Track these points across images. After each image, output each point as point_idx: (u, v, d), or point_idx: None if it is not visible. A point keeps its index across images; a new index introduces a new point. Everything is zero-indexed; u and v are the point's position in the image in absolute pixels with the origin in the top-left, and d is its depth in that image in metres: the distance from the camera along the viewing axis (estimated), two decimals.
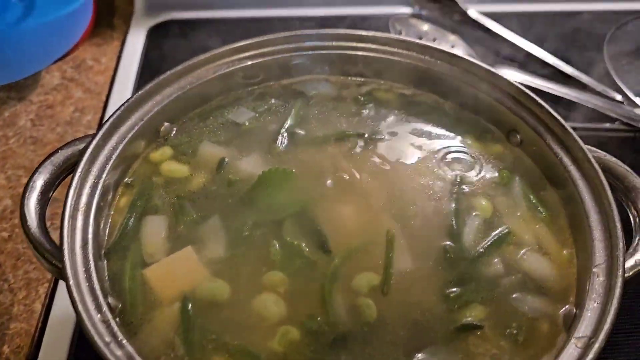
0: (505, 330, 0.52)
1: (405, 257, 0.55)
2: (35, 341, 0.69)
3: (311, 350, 0.50)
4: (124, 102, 0.62)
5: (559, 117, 0.62)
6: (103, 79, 1.05)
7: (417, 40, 0.72)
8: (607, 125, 0.94)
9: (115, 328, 0.46)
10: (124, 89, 1.01)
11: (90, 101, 1.01)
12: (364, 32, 0.73)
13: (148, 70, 1.05)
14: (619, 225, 0.53)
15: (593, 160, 0.58)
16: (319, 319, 0.51)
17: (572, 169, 0.60)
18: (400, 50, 0.72)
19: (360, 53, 0.73)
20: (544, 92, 0.96)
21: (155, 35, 1.12)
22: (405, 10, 1.16)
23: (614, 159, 0.61)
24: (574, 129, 0.94)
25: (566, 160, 0.61)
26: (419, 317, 0.52)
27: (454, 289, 0.54)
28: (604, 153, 0.62)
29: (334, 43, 0.74)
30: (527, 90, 0.64)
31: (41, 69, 1.03)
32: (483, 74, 0.68)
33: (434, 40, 1.08)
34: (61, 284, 0.73)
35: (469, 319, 0.52)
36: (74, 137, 0.83)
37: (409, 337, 0.51)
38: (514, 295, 0.54)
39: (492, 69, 0.67)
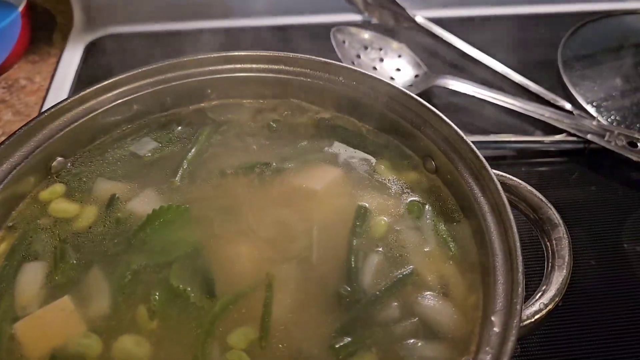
0: None
1: (293, 303, 0.51)
2: None
3: None
4: (9, 136, 0.58)
5: (468, 141, 0.58)
6: (35, 99, 1.01)
7: (332, 61, 0.67)
8: (556, 137, 0.90)
9: None
10: None
11: (19, 124, 0.97)
12: (279, 53, 0.69)
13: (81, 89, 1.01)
14: (521, 268, 0.48)
15: (501, 190, 0.54)
16: None
17: (482, 200, 0.56)
18: (317, 72, 0.68)
19: (275, 75, 0.69)
20: (491, 102, 0.92)
21: (93, 51, 1.08)
22: (352, 17, 1.12)
23: (529, 188, 0.57)
24: (521, 142, 0.92)
25: (476, 190, 0.56)
26: None
27: (343, 338, 0.50)
28: (519, 181, 0.58)
29: (250, 65, 0.69)
30: (436, 111, 0.60)
31: None
32: (395, 94, 0.64)
33: (380, 49, 1.04)
34: None
35: None
36: None
37: None
38: (409, 343, 0.50)
39: (402, 88, 0.63)
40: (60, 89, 1.01)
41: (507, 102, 0.93)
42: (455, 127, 0.59)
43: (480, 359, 0.45)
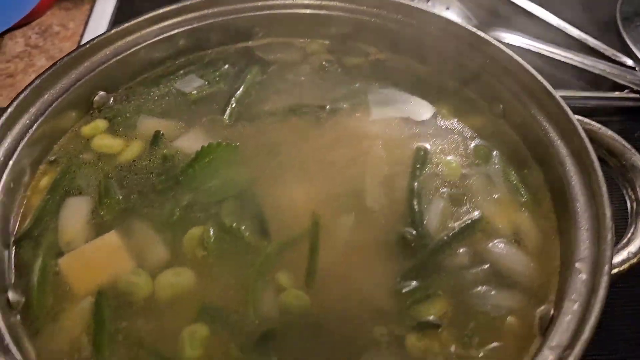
0: (464, 333, 0.44)
1: (348, 246, 0.48)
2: None
3: (237, 348, 0.43)
4: (48, 68, 0.55)
5: (545, 83, 0.53)
6: (69, 45, 0.98)
7: None
8: (616, 93, 0.84)
9: (4, 329, 0.39)
10: None
11: None
12: None
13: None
14: (608, 212, 0.44)
15: (583, 134, 0.49)
16: (241, 311, 0.44)
17: (559, 144, 0.51)
18: (374, 10, 0.64)
19: (330, 12, 0.65)
20: (546, 56, 0.87)
21: None
22: None
23: (609, 133, 0.52)
24: (578, 98, 0.86)
25: (553, 134, 0.52)
26: (363, 314, 0.44)
27: (409, 284, 0.46)
28: (599, 126, 0.53)
29: (299, 2, 0.65)
30: (509, 52, 0.56)
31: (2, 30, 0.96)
32: (464, 35, 0.59)
33: (427, 1, 0.98)
34: None
35: (424, 318, 0.44)
36: None
37: (349, 338, 0.43)
38: (480, 291, 0.46)
39: (472, 28, 0.58)
40: (95, 35, 0.97)
41: (564, 57, 0.88)
42: (531, 69, 0.54)
43: (566, 308, 0.41)
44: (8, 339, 0.39)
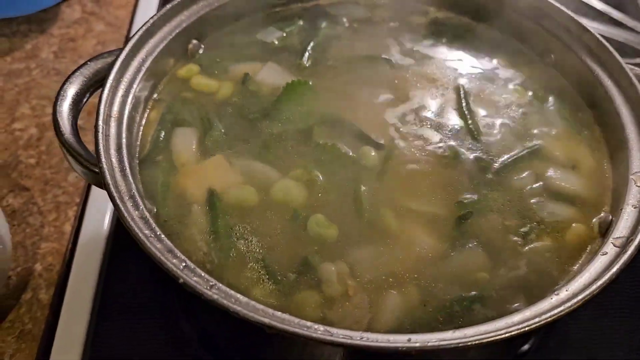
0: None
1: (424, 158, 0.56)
2: (67, 260, 0.70)
3: None
4: (151, 17, 0.61)
5: (593, 32, 0.60)
6: (124, 13, 1.04)
7: None
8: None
9: (153, 224, 0.46)
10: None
11: (112, 35, 1.00)
12: None
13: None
14: None
15: (630, 73, 0.57)
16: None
17: (609, 84, 0.59)
18: None
19: None
20: None
21: None
22: None
23: None
24: None
25: (602, 76, 0.59)
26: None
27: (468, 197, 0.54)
28: None
29: None
30: (558, 4, 0.63)
31: (60, 1, 1.02)
32: None
33: None
34: (90, 206, 0.74)
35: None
36: (94, 56, 0.83)
37: None
38: (538, 201, 0.54)
39: None
40: (149, 3, 1.04)
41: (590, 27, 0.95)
42: (579, 19, 0.62)
43: (624, 211, 0.49)
44: (159, 230, 0.46)
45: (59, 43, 0.98)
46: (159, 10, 1.00)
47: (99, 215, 0.72)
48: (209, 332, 0.62)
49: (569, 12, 0.63)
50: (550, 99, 0.63)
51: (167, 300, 0.65)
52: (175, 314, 0.64)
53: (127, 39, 0.59)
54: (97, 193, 0.75)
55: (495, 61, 0.67)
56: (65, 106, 0.55)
